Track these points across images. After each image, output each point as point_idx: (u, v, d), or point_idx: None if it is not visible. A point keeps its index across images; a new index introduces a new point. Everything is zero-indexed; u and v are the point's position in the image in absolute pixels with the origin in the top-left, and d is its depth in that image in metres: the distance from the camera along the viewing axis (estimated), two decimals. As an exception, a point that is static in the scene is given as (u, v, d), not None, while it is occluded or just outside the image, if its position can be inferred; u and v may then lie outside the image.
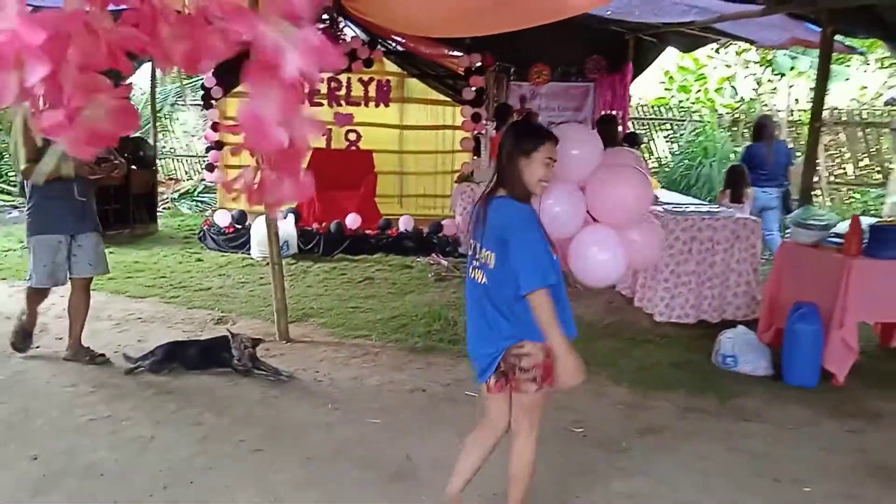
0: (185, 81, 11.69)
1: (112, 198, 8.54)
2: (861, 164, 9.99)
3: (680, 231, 5.64)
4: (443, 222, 8.25)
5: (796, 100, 10.63)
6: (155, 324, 5.44)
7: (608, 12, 6.59)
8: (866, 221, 4.77)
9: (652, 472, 3.36)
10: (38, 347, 4.78)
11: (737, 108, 10.98)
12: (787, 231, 5.49)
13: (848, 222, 4.76)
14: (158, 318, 5.58)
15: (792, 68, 9.75)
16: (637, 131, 10.24)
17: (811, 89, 7.39)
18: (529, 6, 5.43)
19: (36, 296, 4.61)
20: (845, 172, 10.17)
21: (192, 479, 3.18)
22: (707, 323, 5.64)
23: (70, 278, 4.51)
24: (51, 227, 4.39)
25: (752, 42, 7.53)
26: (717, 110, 10.93)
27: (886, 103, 9.81)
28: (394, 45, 8.86)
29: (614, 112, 9.05)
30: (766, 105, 10.22)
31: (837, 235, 4.84)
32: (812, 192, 5.46)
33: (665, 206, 6.03)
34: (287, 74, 1.16)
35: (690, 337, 5.39)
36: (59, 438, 3.54)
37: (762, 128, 6.82)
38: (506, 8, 5.45)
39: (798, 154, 8.91)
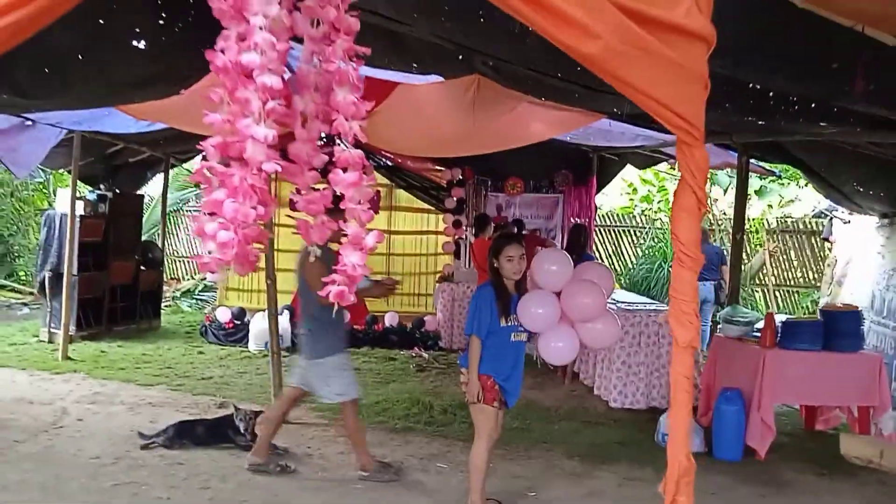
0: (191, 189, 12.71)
1: (121, 296, 9.31)
2: (807, 268, 10.98)
3: (630, 326, 6.44)
4: (425, 318, 9.04)
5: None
6: (164, 408, 6.09)
7: (568, 137, 7.62)
8: (780, 318, 5.61)
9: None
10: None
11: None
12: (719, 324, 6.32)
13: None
14: (167, 403, 6.24)
15: (729, 185, 10.93)
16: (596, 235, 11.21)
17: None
18: (498, 135, 6.44)
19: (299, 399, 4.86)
20: (793, 276, 11.16)
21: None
22: (657, 409, 6.33)
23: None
24: (338, 347, 4.56)
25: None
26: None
27: (815, 216, 10.89)
28: (383, 160, 9.90)
29: (581, 220, 10.03)
30: (712, 214, 11.31)
31: (758, 330, 5.66)
32: (739, 293, 6.29)
33: (618, 305, 6.86)
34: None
35: (639, 420, 6.09)
36: (88, 498, 4.18)
37: (705, 234, 7.81)
38: (478, 137, 6.47)
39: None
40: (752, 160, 6.44)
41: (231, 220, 1.26)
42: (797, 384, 5.29)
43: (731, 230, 11.34)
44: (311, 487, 4.45)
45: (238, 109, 1.23)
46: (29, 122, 6.96)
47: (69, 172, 8.89)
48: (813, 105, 3.51)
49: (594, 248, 11.48)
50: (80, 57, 4.75)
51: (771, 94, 3.49)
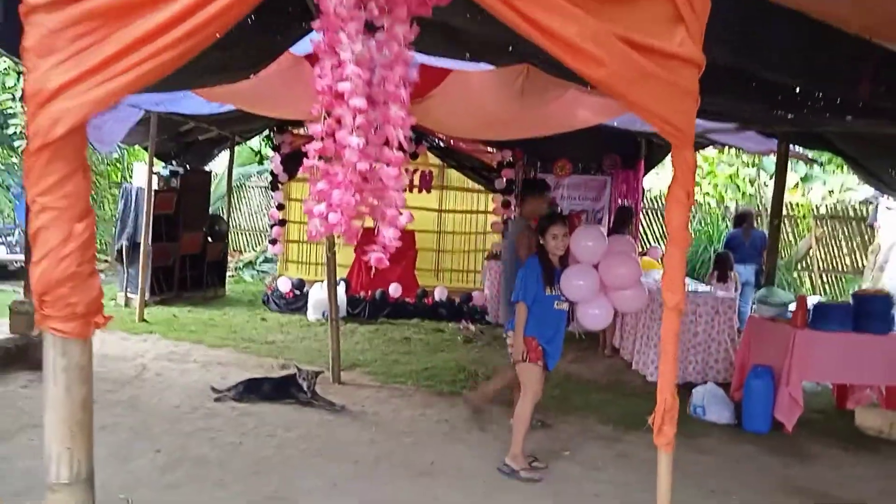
0: (252, 165, 13.36)
1: (190, 265, 9.99)
2: (855, 254, 10.99)
3: (667, 305, 6.73)
4: (473, 294, 9.46)
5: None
6: (232, 367, 6.68)
7: (615, 123, 7.87)
8: (812, 300, 5.84)
9: (618, 482, 4.41)
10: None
11: (739, 201, 12.16)
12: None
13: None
14: (234, 363, 6.82)
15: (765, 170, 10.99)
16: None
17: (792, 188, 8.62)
18: (546, 120, 6.76)
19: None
20: (842, 262, 11.18)
21: (272, 469, 4.35)
22: (691, 383, 6.63)
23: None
24: None
25: (740, 149, 8.77)
26: (724, 202, 12.11)
27: (861, 202, 10.85)
28: (436, 141, 10.29)
29: (628, 202, 10.28)
30: (762, 198, 11.37)
31: (792, 312, 5.90)
32: (774, 275, 6.51)
33: (657, 284, 7.15)
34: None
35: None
36: (173, 440, 4.74)
37: (741, 218, 7.99)
38: (526, 121, 6.79)
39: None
40: (797, 147, 6.62)
41: (338, 205, 1.66)
42: (826, 363, 5.53)
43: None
44: (365, 440, 4.94)
45: (335, 123, 1.63)
46: (112, 103, 7.56)
47: (144, 149, 9.57)
48: (838, 101, 3.77)
49: (641, 229, 11.69)
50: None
51: (797, 90, 3.76)
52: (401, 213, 1.88)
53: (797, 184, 11.41)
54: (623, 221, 8.28)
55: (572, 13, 1.66)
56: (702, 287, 7.29)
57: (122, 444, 4.58)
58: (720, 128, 7.03)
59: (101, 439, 4.62)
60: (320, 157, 1.71)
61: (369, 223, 1.92)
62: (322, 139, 1.69)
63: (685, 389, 6.47)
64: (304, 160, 1.76)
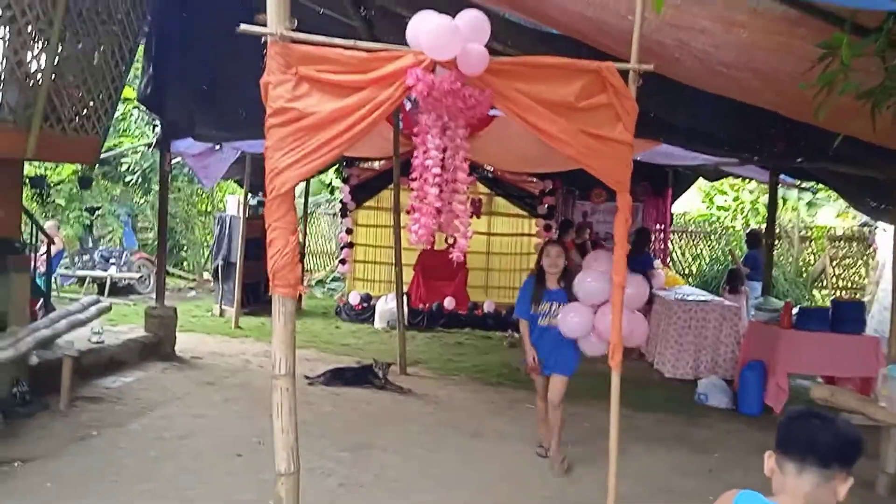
0: (322, 195, 14.99)
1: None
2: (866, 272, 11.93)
3: (682, 312, 7.95)
4: (518, 307, 10.76)
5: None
6: (318, 362, 8.12)
7: (639, 157, 9.16)
8: (799, 306, 6.98)
9: (626, 451, 5.65)
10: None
11: (761, 223, 13.24)
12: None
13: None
14: (319, 360, 8.27)
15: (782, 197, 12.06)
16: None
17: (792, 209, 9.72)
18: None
19: None
20: (855, 280, 12.13)
21: (359, 428, 5.73)
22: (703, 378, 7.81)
23: None
24: None
25: (751, 178, 9.92)
26: (749, 224, 13.17)
27: (861, 225, 11.76)
28: (486, 172, 11.70)
29: (658, 225, 11.52)
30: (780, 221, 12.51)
31: (782, 316, 7.04)
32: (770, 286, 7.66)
33: (674, 294, 8.38)
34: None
35: (685, 387, 7.59)
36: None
37: (755, 239, 9.14)
38: (559, 157, 8.15)
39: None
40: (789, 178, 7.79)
41: (422, 225, 3.03)
42: (807, 358, 6.65)
43: (792, 235, 12.53)
44: (428, 412, 6.30)
45: (422, 180, 2.99)
46: (217, 147, 9.22)
47: (236, 182, 11.23)
48: (786, 146, 5.04)
49: (671, 247, 12.83)
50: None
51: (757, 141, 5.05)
52: (467, 234, 3.22)
53: (808, 204, 12.41)
54: (642, 242, 9.44)
55: (553, 118, 3.01)
56: (710, 297, 8.47)
57: (245, 411, 6.06)
58: (728, 161, 8.26)
59: (229, 407, 6.15)
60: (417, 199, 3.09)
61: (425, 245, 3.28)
62: (417, 189, 3.08)
63: (694, 384, 7.67)
64: (410, 199, 3.15)
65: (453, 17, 2.95)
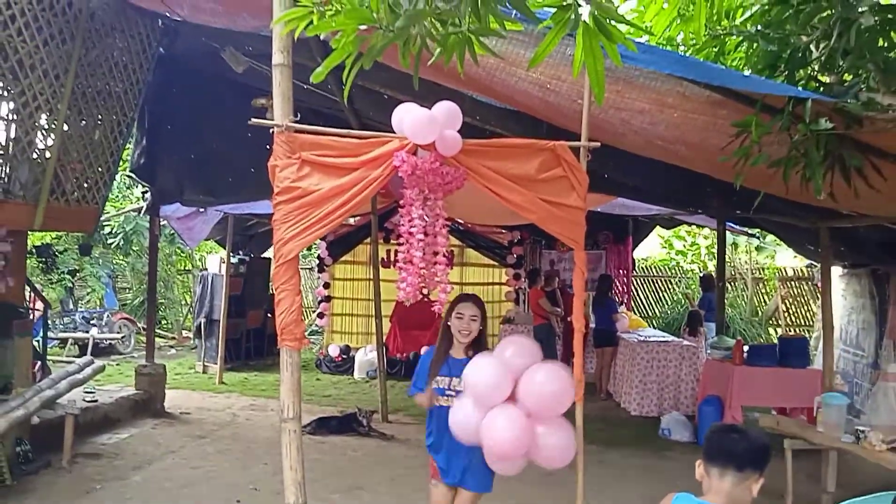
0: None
1: (252, 339, 11.91)
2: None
3: (644, 353, 8.51)
4: (491, 354, 11.22)
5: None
6: (303, 413, 8.45)
7: (599, 208, 9.83)
8: (750, 344, 7.58)
9: (598, 482, 6.12)
10: None
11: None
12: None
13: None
14: (305, 410, 8.52)
15: (733, 242, 12.89)
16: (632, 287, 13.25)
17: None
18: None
19: None
20: (806, 318, 12.90)
21: (347, 472, 6.11)
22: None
23: None
24: None
25: (701, 226, 10.66)
26: (705, 267, 13.94)
27: (807, 266, 12.57)
28: (456, 225, 12.28)
29: (620, 271, 12.17)
30: (733, 264, 13.25)
31: (736, 353, 7.62)
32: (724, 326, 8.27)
33: (637, 337, 8.95)
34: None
35: (649, 423, 8.10)
36: (272, 457, 6.53)
37: (707, 282, 9.80)
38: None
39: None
40: (736, 225, 8.49)
41: (409, 283, 3.55)
42: (759, 392, 7.21)
43: (746, 277, 13.26)
44: (411, 456, 6.71)
45: (408, 244, 3.52)
46: (202, 210, 9.69)
47: (218, 242, 11.65)
48: (721, 201, 5.68)
49: (634, 292, 13.47)
50: (251, 169, 7.35)
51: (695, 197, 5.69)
52: (446, 288, 3.74)
53: (757, 248, 13.22)
54: (605, 288, 10.04)
55: (518, 189, 3.57)
56: (670, 338, 9.06)
57: (238, 461, 6.42)
58: (679, 212, 8.96)
59: (222, 458, 6.49)
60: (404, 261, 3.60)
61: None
62: (405, 252, 3.60)
63: (658, 420, 8.19)
64: (396, 262, 3.65)
65: (430, 102, 3.53)
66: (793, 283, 12.97)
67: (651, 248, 14.89)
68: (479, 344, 3.81)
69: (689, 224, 11.21)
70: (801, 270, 12.84)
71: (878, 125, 3.36)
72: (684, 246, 14.59)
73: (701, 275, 10.77)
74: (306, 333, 11.78)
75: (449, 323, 3.83)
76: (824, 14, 3.64)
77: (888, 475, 5.03)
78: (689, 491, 2.62)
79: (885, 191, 3.75)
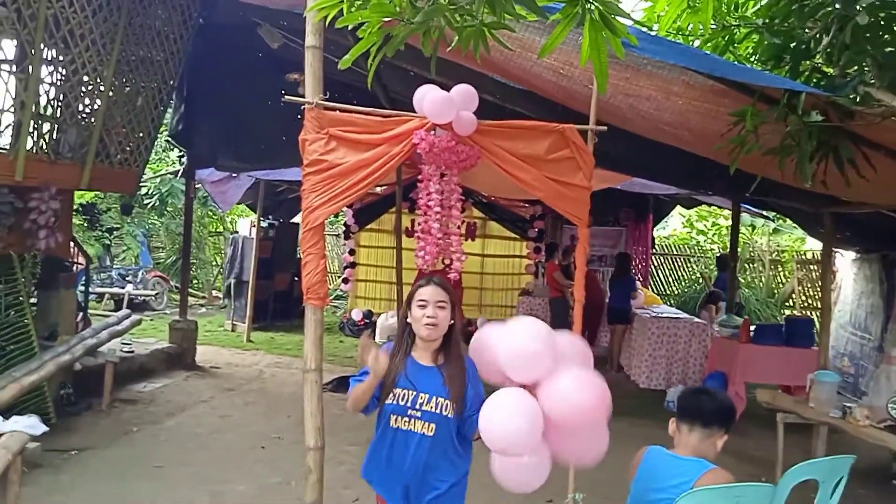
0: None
1: (279, 300, 12.37)
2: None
3: (655, 328, 8.78)
4: (509, 323, 11.57)
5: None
6: (325, 372, 8.86)
7: (619, 186, 10.04)
8: (756, 323, 7.82)
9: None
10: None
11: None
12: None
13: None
14: (326, 370, 8.96)
15: (751, 224, 12.97)
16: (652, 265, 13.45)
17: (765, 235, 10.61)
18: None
19: None
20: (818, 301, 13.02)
21: (366, 428, 6.50)
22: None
23: None
24: None
25: (723, 207, 10.82)
26: (725, 248, 14.07)
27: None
28: (480, 198, 12.56)
29: (638, 248, 12.38)
30: (751, 245, 13.37)
31: (743, 331, 7.87)
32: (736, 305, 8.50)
33: (650, 312, 9.21)
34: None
35: (656, 395, 8.40)
36: (295, 411, 6.97)
37: (723, 262, 9.99)
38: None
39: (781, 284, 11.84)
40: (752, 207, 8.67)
41: (428, 252, 3.88)
42: (763, 369, 7.46)
43: (763, 259, 13.38)
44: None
45: (426, 216, 3.84)
46: (234, 176, 10.08)
47: (248, 206, 12.07)
48: (725, 184, 5.89)
49: (652, 269, 13.67)
50: (283, 138, 7.69)
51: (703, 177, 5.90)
52: (461, 257, 4.06)
53: (773, 230, 13.31)
54: (624, 266, 10.26)
55: (527, 168, 3.86)
56: (682, 315, 9.32)
57: (263, 412, 6.86)
58: (693, 192, 9.16)
59: (250, 409, 6.94)
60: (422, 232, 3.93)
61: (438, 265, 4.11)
62: (422, 223, 3.92)
63: (666, 392, 8.48)
64: (415, 233, 3.98)
65: (454, 80, 3.82)
66: (809, 265, 13.05)
67: (674, 227, 15.06)
68: (448, 344, 2.85)
69: (710, 205, 11.37)
70: (818, 254, 12.91)
71: (868, 119, 3.59)
72: (705, 226, 14.73)
73: (717, 255, 10.94)
74: (331, 298, 12.61)
75: (409, 319, 2.84)
76: (827, 9, 3.86)
77: (876, 450, 5.32)
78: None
79: (876, 180, 3.98)
